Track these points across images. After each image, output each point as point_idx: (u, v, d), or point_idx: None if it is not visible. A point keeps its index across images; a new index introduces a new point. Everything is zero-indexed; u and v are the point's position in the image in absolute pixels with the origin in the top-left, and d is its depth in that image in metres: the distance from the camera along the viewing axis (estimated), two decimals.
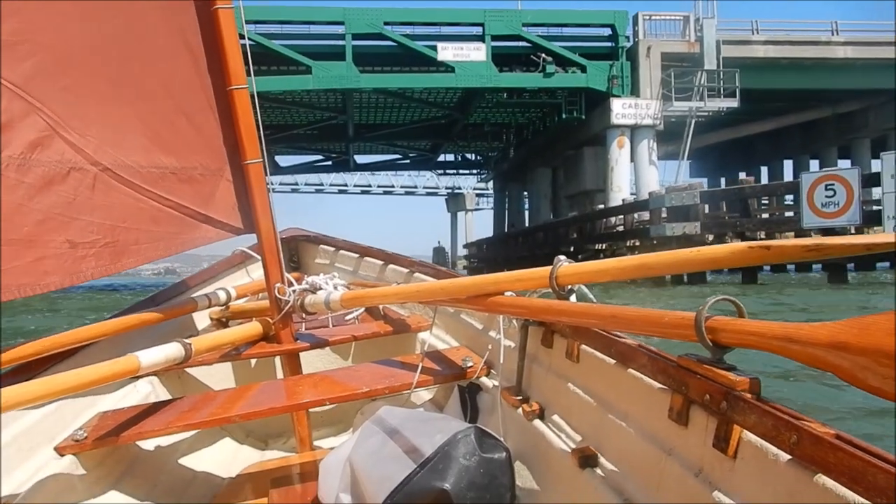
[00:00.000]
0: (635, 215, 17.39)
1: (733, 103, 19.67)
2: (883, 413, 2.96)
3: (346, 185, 44.62)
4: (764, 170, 27.23)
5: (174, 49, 1.55)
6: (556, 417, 1.18)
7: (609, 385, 1.04)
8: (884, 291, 11.02)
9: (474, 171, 37.79)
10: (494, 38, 20.11)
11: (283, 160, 32.93)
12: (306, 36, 20.35)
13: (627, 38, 20.69)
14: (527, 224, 28.06)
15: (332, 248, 2.81)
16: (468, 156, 35.12)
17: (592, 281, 1.14)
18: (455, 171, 38.73)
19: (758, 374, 0.75)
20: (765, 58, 20.53)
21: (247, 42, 1.62)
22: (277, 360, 1.97)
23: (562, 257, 1.15)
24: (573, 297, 1.13)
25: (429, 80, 20.66)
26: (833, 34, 21.14)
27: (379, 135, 28.21)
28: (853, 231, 12.34)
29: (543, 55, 20.11)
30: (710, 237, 14.82)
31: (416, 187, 45.58)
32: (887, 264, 14.78)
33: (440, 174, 40.44)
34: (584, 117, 21.32)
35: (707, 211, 15.53)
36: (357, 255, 2.65)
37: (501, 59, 20.26)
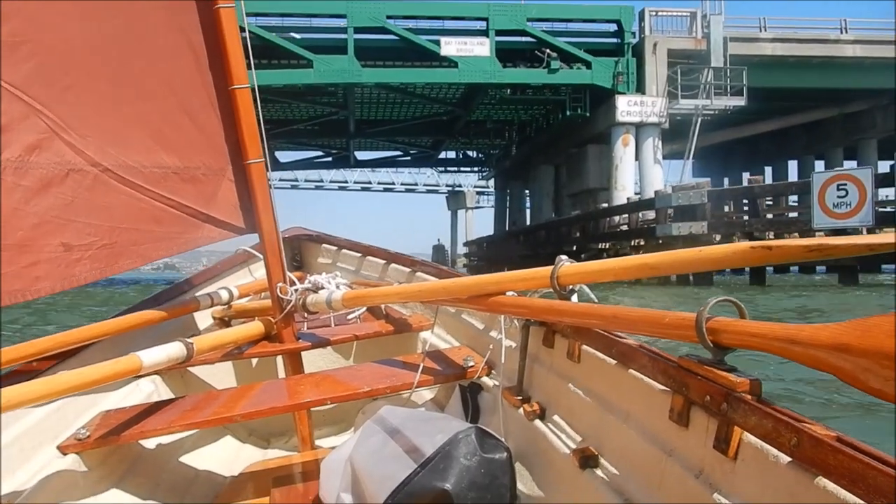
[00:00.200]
0: (640, 214, 17.31)
1: (740, 101, 19.54)
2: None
3: (346, 182, 44.65)
4: (768, 170, 27.06)
5: (176, 48, 1.54)
6: (556, 418, 1.18)
7: (610, 385, 1.04)
8: None
9: (475, 169, 37.71)
10: (498, 32, 20.02)
11: (283, 156, 32.88)
12: (308, 29, 20.30)
13: (633, 34, 20.58)
14: (528, 222, 27.99)
15: (335, 248, 2.81)
16: (469, 153, 35.06)
17: (594, 281, 1.14)
18: (456, 169, 38.68)
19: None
20: (772, 56, 20.40)
21: (247, 35, 1.61)
22: (279, 359, 1.97)
23: (563, 257, 1.15)
24: (574, 297, 1.13)
25: (431, 75, 20.59)
26: (842, 32, 20.99)
27: (380, 131, 28.15)
28: (865, 232, 12.24)
29: (548, 51, 20.02)
30: (718, 237, 14.73)
31: (416, 185, 45.63)
32: (893, 266, 14.67)
33: (441, 171, 40.44)
34: (588, 114, 21.20)
35: (713, 210, 15.44)
36: (359, 255, 2.66)
37: (505, 55, 20.17)
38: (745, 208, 15.96)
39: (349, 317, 1.98)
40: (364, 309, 2.01)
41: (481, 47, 19.98)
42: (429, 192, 46.25)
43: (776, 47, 20.54)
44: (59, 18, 1.38)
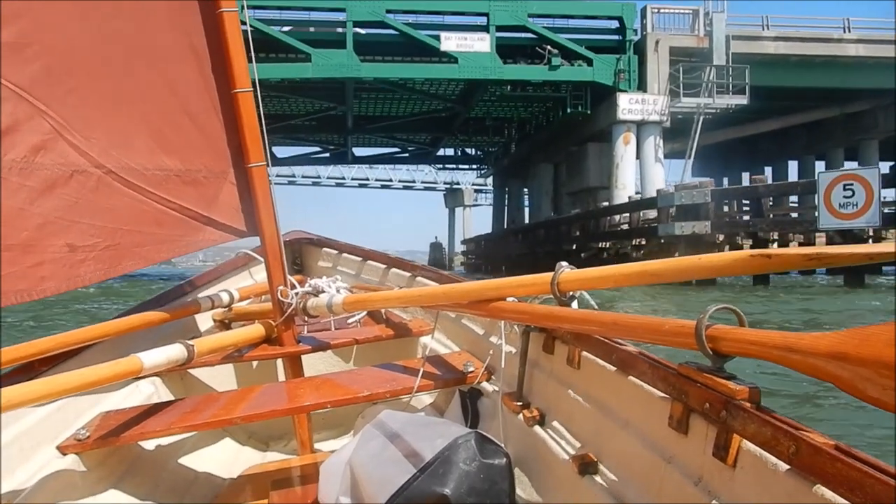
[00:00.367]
0: (640, 213, 17.25)
1: (742, 100, 19.47)
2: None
3: (343, 179, 44.51)
4: (768, 170, 27.01)
5: (179, 50, 1.55)
6: (556, 424, 1.18)
7: (609, 392, 1.04)
8: None
9: (474, 167, 37.62)
10: (499, 28, 19.91)
11: (280, 151, 32.63)
12: (306, 23, 20.20)
13: (635, 31, 20.50)
14: (527, 221, 27.92)
15: (335, 252, 2.82)
16: (468, 150, 34.99)
17: (594, 288, 1.14)
18: (454, 166, 38.60)
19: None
20: (774, 54, 20.35)
21: (248, 28, 1.60)
22: (279, 362, 1.98)
23: (563, 263, 1.15)
24: (574, 304, 1.13)
25: (431, 71, 20.45)
26: (845, 31, 20.92)
27: (378, 127, 28.01)
28: (871, 233, 12.17)
29: (549, 47, 19.93)
30: (721, 237, 14.69)
31: (414, 182, 45.51)
32: (893, 269, 14.61)
33: (439, 169, 40.36)
34: (589, 112, 21.13)
35: (716, 210, 15.40)
36: (360, 259, 2.66)
37: (506, 51, 20.06)
38: (747, 208, 15.90)
39: (349, 321, 1.98)
40: (364, 313, 2.01)
41: (482, 43, 19.86)
42: (426, 189, 46.19)
43: (779, 46, 20.48)
44: (63, 20, 1.38)
